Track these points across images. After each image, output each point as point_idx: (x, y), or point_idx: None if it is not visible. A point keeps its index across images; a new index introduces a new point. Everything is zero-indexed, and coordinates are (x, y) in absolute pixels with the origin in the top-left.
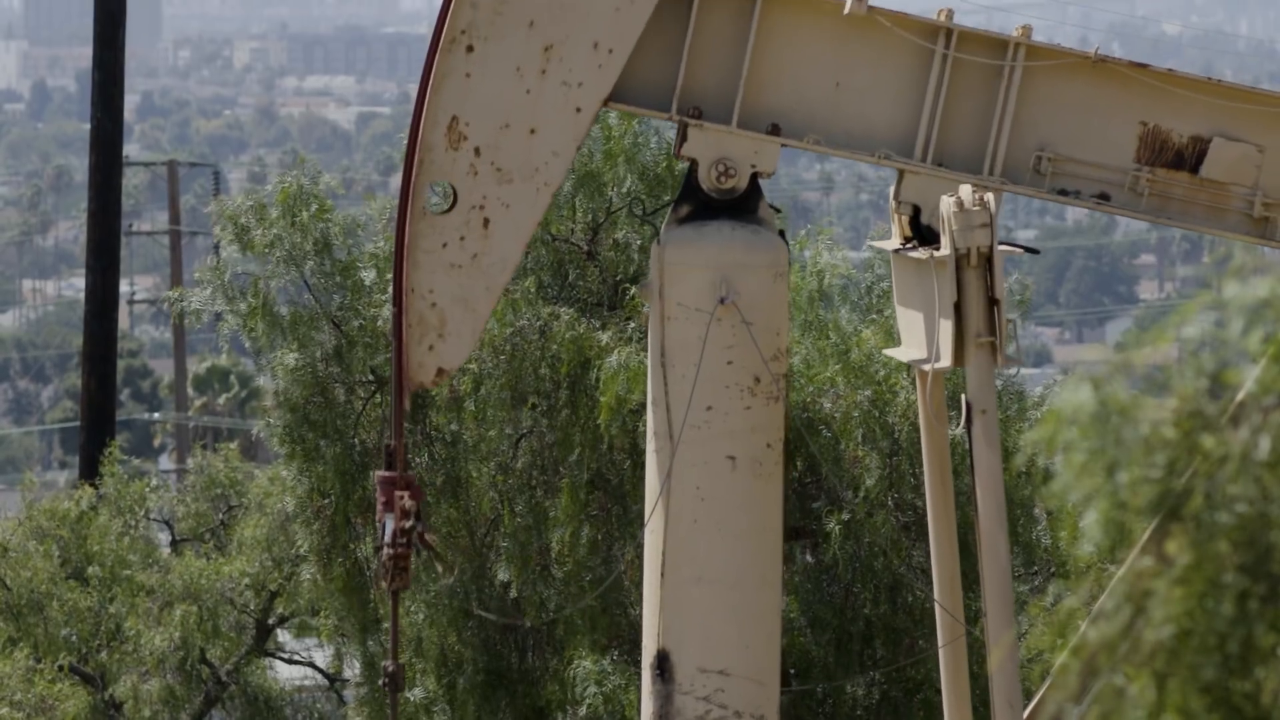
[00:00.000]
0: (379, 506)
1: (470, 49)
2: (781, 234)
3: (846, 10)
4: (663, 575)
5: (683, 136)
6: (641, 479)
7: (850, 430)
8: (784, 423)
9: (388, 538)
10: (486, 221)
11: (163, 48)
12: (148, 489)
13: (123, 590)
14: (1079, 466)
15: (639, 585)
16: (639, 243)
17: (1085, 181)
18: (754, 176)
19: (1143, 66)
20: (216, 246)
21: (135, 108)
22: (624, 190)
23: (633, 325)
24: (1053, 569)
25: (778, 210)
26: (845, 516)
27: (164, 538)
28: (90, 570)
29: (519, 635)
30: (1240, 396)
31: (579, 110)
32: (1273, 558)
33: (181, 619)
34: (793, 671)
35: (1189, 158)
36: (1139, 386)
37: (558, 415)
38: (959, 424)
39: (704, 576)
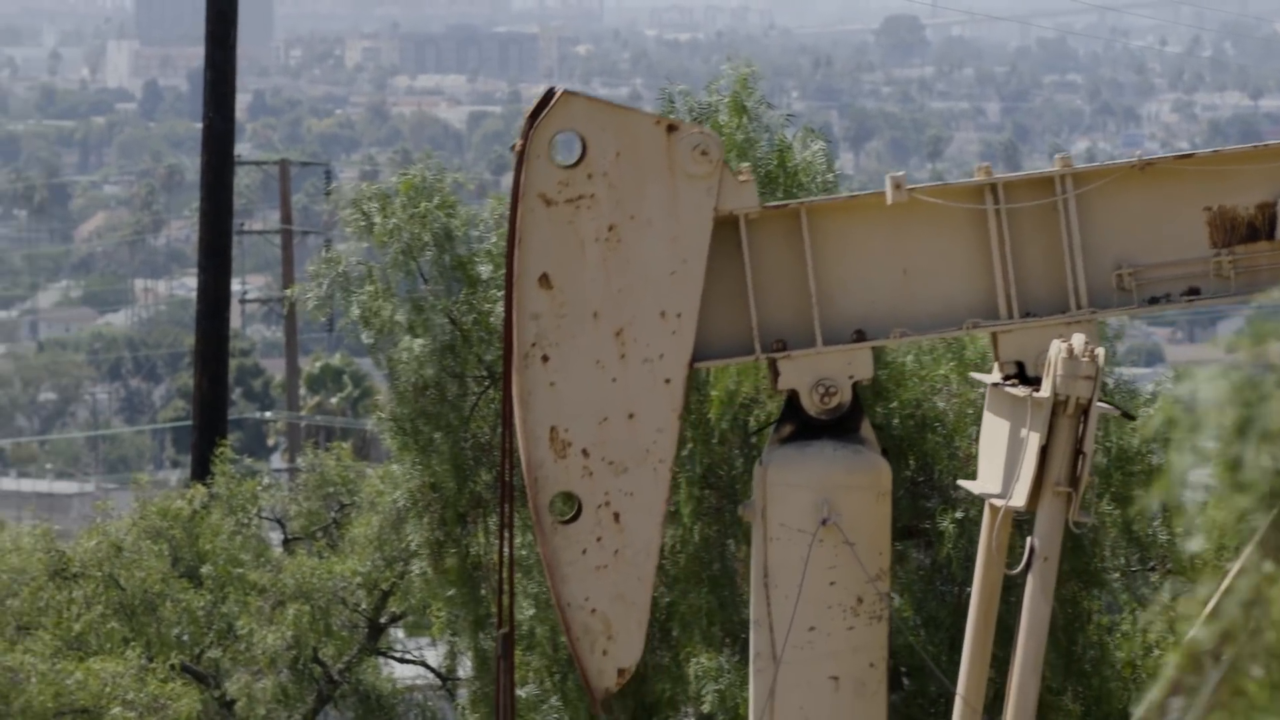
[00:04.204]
0: None
1: (546, 359)
2: (885, 453)
3: (889, 200)
4: None
5: (775, 372)
6: (751, 474)
7: (964, 428)
8: (887, 641)
9: None
10: (617, 516)
11: (274, 47)
12: (259, 488)
13: (235, 589)
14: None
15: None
16: None
17: (1171, 283)
18: (856, 394)
19: (1188, 156)
20: (329, 243)
21: (247, 107)
22: None
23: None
24: (1168, 565)
25: (879, 429)
26: (958, 515)
27: (276, 536)
28: (203, 569)
29: None
30: None
31: (668, 381)
32: None
33: (294, 618)
34: (904, 670)
35: (1261, 226)
36: (1258, 379)
37: None
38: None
39: None
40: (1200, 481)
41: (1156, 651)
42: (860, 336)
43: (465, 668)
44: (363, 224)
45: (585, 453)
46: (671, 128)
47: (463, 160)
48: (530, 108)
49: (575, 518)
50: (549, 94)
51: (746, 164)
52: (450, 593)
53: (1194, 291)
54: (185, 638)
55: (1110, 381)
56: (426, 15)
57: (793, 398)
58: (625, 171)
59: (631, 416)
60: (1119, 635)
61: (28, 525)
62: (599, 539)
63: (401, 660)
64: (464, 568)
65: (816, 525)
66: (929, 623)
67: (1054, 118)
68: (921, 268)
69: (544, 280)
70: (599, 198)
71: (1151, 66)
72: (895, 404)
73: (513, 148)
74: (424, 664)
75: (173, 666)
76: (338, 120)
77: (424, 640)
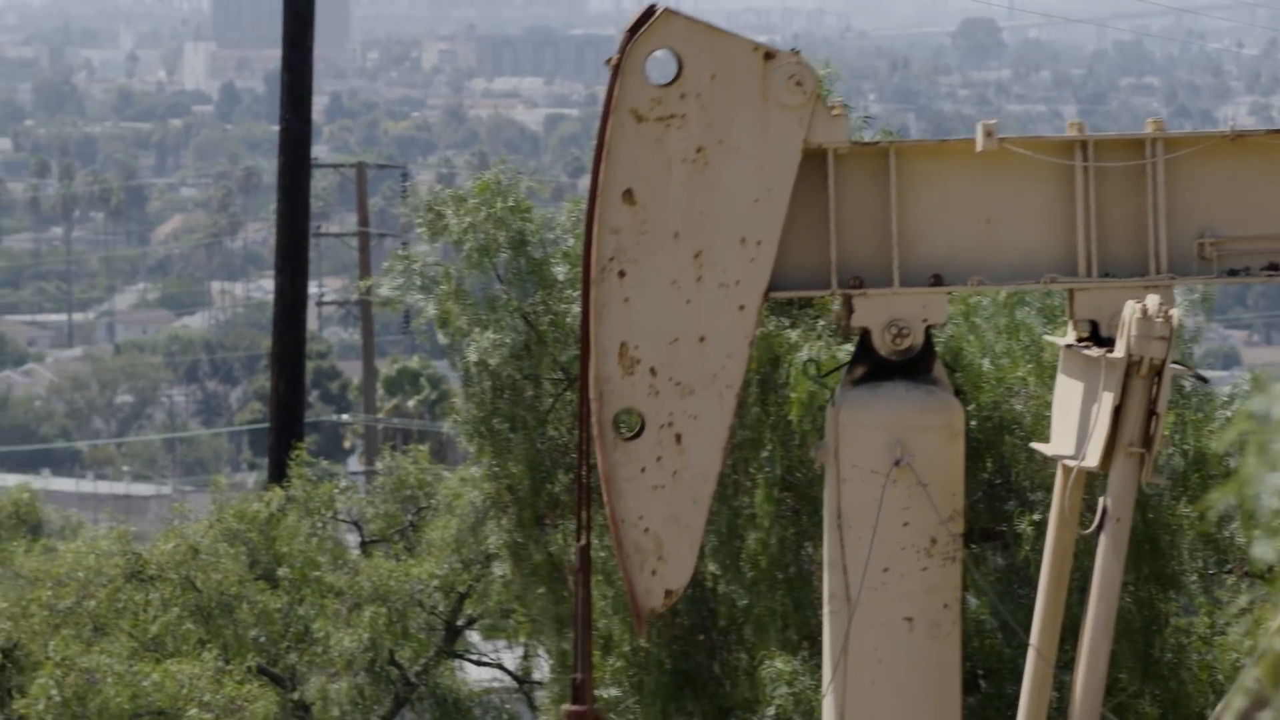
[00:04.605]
0: None
1: (622, 274)
2: (957, 393)
3: (979, 148)
4: None
5: (849, 308)
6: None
7: (1042, 430)
8: (960, 582)
9: None
10: (679, 437)
11: (351, 49)
12: (336, 490)
13: (312, 591)
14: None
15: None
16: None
17: (1252, 256)
18: (928, 337)
19: (1279, 131)
20: (404, 245)
21: (324, 109)
22: None
23: (821, 323)
24: (1245, 568)
25: (953, 370)
26: (1036, 517)
27: (353, 539)
28: (279, 572)
29: (708, 635)
30: None
31: (742, 308)
32: None
33: (371, 620)
34: (980, 674)
35: None
36: None
37: (748, 413)
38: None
39: None
40: (1275, 487)
41: (1234, 656)
42: (937, 281)
43: (542, 670)
44: (437, 225)
45: (653, 371)
46: (769, 55)
47: (539, 163)
48: (630, 22)
49: (637, 435)
50: (650, 10)
51: (839, 99)
52: (531, 594)
53: (1274, 267)
54: (262, 640)
55: (1186, 384)
56: (503, 17)
57: (865, 337)
58: (718, 95)
59: (702, 340)
60: (1196, 638)
61: (105, 527)
62: (659, 459)
63: (478, 663)
64: (544, 569)
65: (889, 466)
66: (1006, 626)
67: (1130, 120)
68: (1004, 218)
69: (628, 195)
70: (690, 118)
71: (1228, 69)
72: (972, 406)
73: (608, 61)
74: (501, 666)
75: (249, 669)
76: (414, 123)
77: (501, 643)
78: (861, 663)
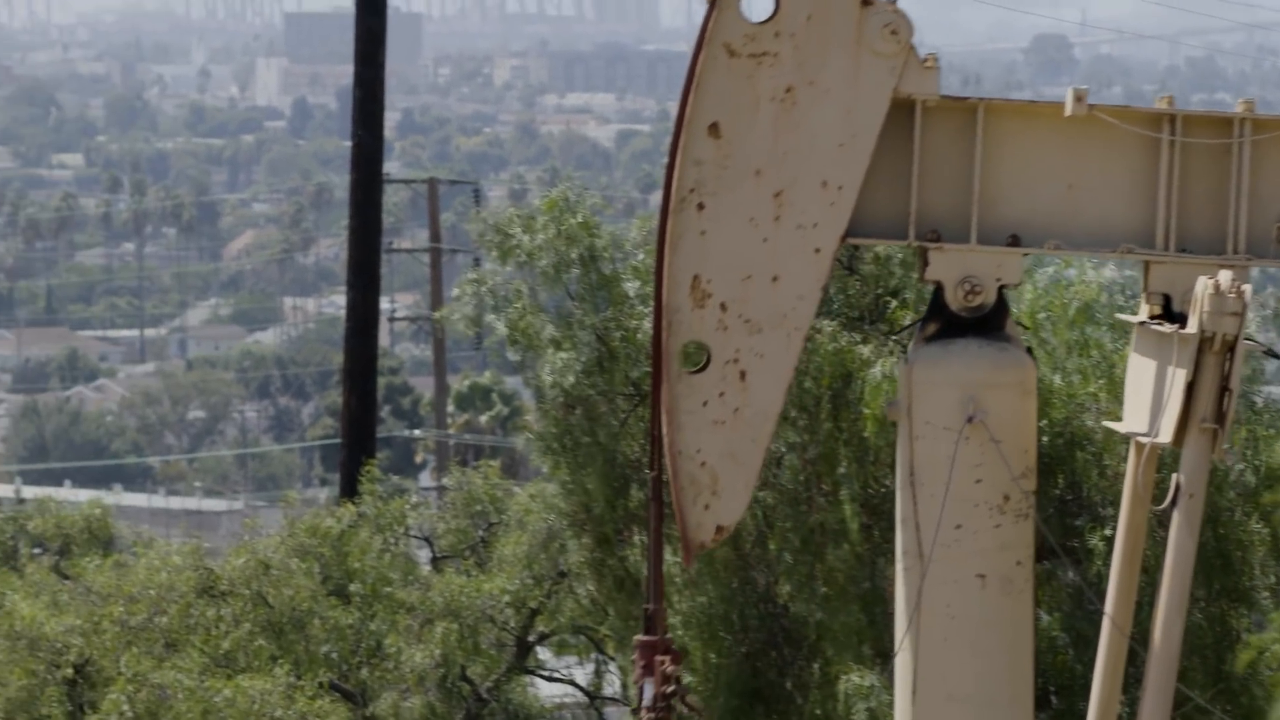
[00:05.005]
0: (638, 671)
1: (701, 206)
2: (1029, 350)
3: (1068, 112)
4: (914, 694)
5: (924, 261)
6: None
7: (1113, 446)
8: (1033, 539)
9: (648, 702)
10: (743, 374)
11: (423, 65)
12: (408, 506)
13: (383, 607)
14: None
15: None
16: (900, 257)
17: None
18: (1001, 292)
19: None
20: (477, 260)
21: (396, 125)
22: None
23: (894, 339)
24: None
25: (1025, 328)
26: (1108, 533)
27: (424, 555)
28: (351, 587)
29: (779, 652)
30: None
31: (818, 251)
32: None
33: (442, 636)
34: (1051, 690)
35: None
36: None
37: (819, 428)
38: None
39: (955, 694)
40: None
41: None
42: (1014, 241)
43: (614, 686)
44: (506, 245)
45: (723, 306)
46: (866, 1)
47: (610, 179)
48: None
49: (702, 369)
50: None
51: (933, 52)
52: (610, 610)
53: None
54: (333, 656)
55: (1259, 400)
56: (575, 33)
57: (937, 293)
58: (813, 36)
59: (775, 279)
60: (1269, 654)
61: (177, 543)
62: (721, 394)
63: (549, 679)
64: (622, 585)
65: (962, 423)
66: (1078, 641)
67: None
68: (1087, 185)
69: (713, 129)
70: (782, 57)
71: None
72: (1044, 422)
73: None
74: (572, 682)
75: (321, 684)
76: (486, 138)
77: (572, 659)
78: (934, 620)
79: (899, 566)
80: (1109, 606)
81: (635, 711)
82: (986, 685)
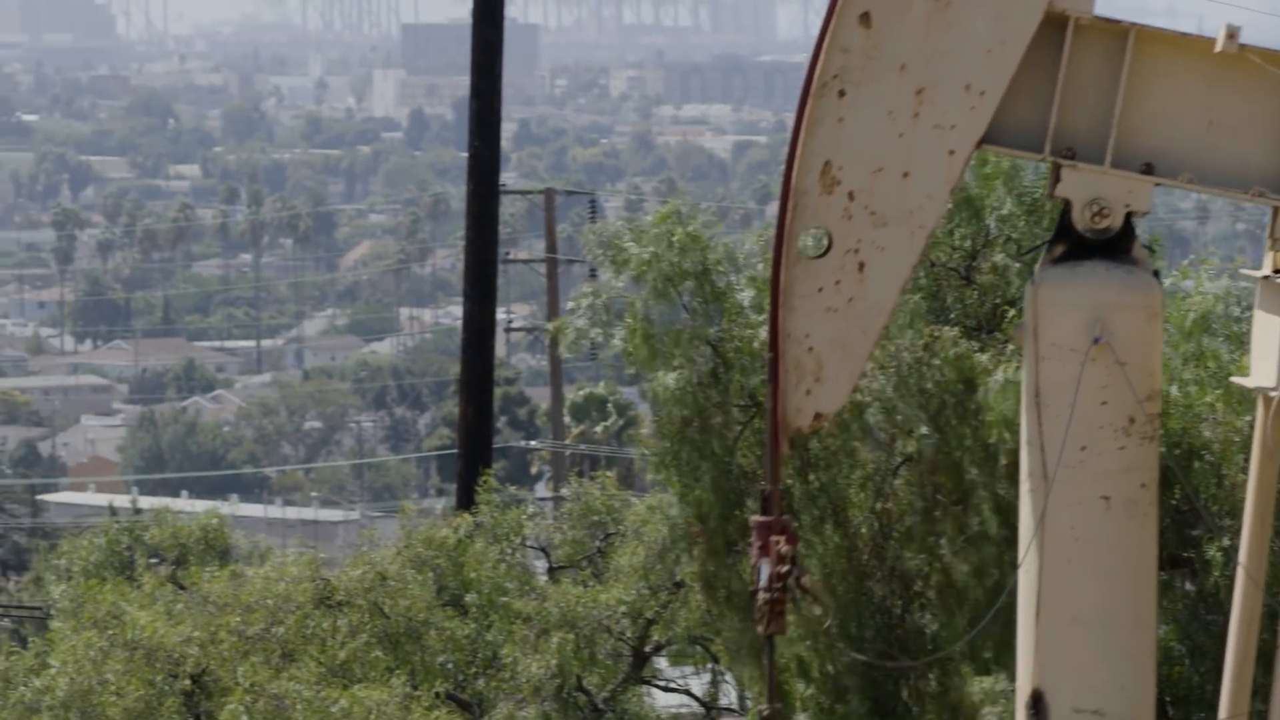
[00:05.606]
0: (754, 551)
1: (842, 94)
2: (1156, 274)
3: (1218, 48)
4: (1037, 615)
5: (1056, 177)
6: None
7: (1231, 456)
8: (1158, 463)
9: (764, 582)
10: (862, 266)
11: (540, 76)
12: (524, 517)
13: (499, 618)
14: None
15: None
16: (1016, 267)
17: None
18: (1128, 216)
19: None
20: (593, 272)
21: (512, 136)
22: (1002, 214)
23: (1010, 348)
24: None
25: (1152, 250)
26: (1225, 543)
27: (540, 565)
28: (467, 598)
29: (897, 661)
30: None
31: (952, 153)
32: None
33: (558, 646)
34: (1168, 700)
35: None
36: None
37: (950, 436)
38: None
39: (1079, 617)
40: None
41: None
42: (1148, 169)
43: (729, 697)
44: (619, 259)
45: (851, 195)
46: None
47: (727, 190)
48: None
49: (823, 255)
50: None
51: None
52: (725, 623)
53: None
54: (450, 666)
55: None
56: (691, 45)
57: (1065, 213)
58: None
59: (906, 175)
60: None
61: (294, 553)
62: (838, 282)
63: (665, 689)
64: (737, 598)
65: (1088, 344)
66: (1194, 652)
67: None
68: (1227, 123)
69: (864, 19)
70: None
71: None
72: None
73: None
74: (688, 693)
75: (437, 695)
76: (603, 149)
77: (688, 669)
78: (1058, 541)
79: (1023, 488)
80: (1242, 556)
81: (753, 593)
82: (1110, 608)
